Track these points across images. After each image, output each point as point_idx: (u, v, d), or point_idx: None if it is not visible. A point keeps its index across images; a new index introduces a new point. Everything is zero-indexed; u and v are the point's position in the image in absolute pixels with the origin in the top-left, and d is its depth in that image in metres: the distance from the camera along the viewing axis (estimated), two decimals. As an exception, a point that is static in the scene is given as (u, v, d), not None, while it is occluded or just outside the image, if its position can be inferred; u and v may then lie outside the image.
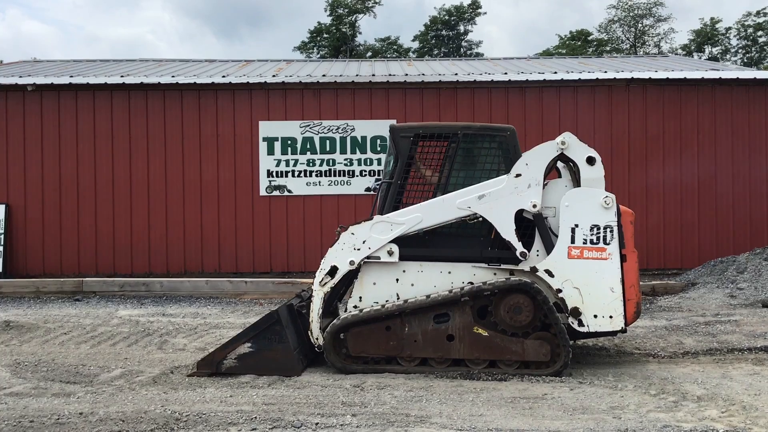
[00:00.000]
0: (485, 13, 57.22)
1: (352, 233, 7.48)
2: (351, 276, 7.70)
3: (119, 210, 15.13)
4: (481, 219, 7.47)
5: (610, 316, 7.15)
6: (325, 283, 7.48)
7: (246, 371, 7.20)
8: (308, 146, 15.26)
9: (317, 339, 7.45)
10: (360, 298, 7.49)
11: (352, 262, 7.43)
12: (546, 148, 7.41)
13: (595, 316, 7.15)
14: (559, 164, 7.75)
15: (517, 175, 7.31)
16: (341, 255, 7.46)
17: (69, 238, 15.08)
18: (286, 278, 14.13)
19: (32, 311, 11.66)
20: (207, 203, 15.20)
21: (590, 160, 7.35)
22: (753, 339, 8.77)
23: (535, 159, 7.37)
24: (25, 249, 15.04)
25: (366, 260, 7.45)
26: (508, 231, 7.26)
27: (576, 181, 7.51)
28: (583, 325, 7.15)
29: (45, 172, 15.09)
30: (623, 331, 7.27)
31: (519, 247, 7.23)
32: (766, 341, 8.58)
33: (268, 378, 7.07)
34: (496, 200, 7.29)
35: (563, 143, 7.33)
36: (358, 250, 7.44)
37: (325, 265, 7.50)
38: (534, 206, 7.23)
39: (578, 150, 7.37)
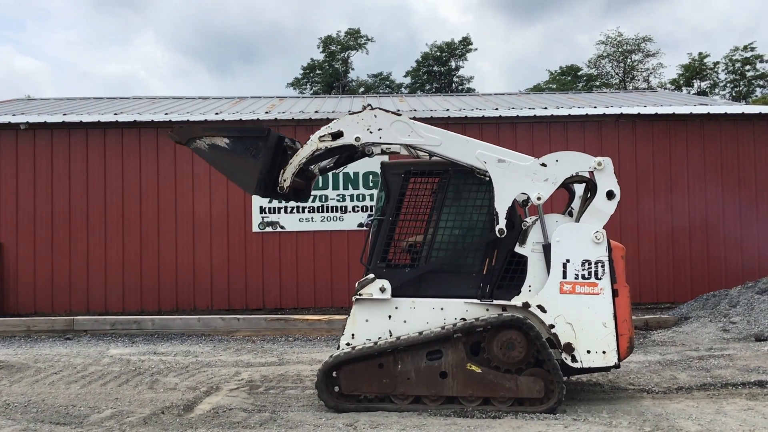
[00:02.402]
0: (476, 49, 58.06)
1: (375, 116, 7.42)
2: (347, 156, 7.89)
3: (111, 247, 15.10)
4: (473, 252, 7.49)
5: (603, 352, 7.13)
6: (324, 140, 7.42)
7: (210, 160, 7.35)
8: (301, 182, 15.26)
9: (284, 181, 7.40)
10: (352, 335, 7.45)
11: (357, 138, 7.37)
12: (581, 158, 7.38)
13: (588, 352, 7.12)
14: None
15: (543, 164, 7.29)
16: (353, 126, 7.40)
17: (60, 276, 15.02)
18: (279, 315, 14.07)
19: (22, 350, 11.56)
20: (199, 240, 15.19)
21: (610, 194, 7.30)
22: (747, 374, 8.75)
23: (565, 161, 7.34)
24: (17, 287, 14.97)
25: (358, 297, 7.44)
26: (502, 204, 7.22)
27: (580, 211, 7.51)
28: (577, 361, 7.11)
29: (37, 210, 15.08)
30: (617, 366, 7.23)
31: (501, 224, 7.19)
32: (760, 376, 8.57)
33: (260, 417, 7.01)
34: (511, 171, 7.25)
35: (600, 164, 7.27)
36: (371, 132, 7.40)
37: (333, 126, 7.45)
38: (538, 198, 7.19)
39: (607, 179, 7.30)
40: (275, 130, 7.57)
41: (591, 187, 7.51)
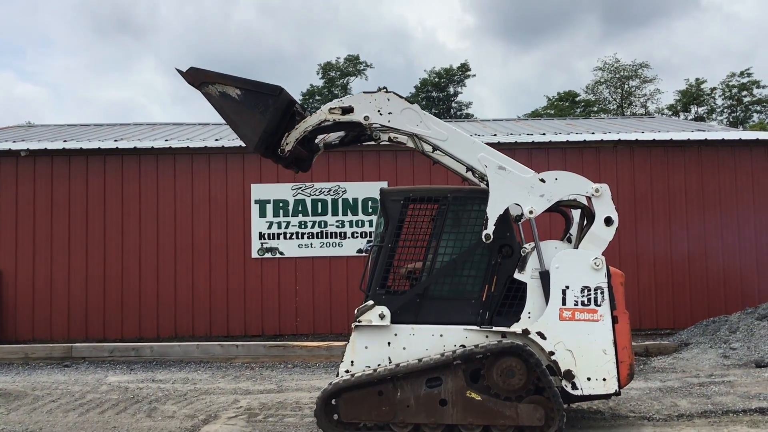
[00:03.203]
0: (474, 75, 58.30)
1: (388, 99, 7.44)
2: (353, 136, 7.94)
3: (110, 274, 15.08)
4: (473, 276, 7.47)
5: (604, 379, 7.10)
6: (333, 112, 7.43)
7: (218, 107, 7.36)
8: (300, 208, 15.35)
9: (286, 145, 7.46)
10: (352, 362, 7.41)
11: (366, 118, 7.39)
12: (580, 181, 7.38)
13: (589, 379, 7.09)
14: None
15: (542, 180, 7.31)
16: (365, 105, 7.42)
17: (59, 302, 14.98)
18: (278, 341, 14.02)
19: (20, 378, 11.51)
20: (199, 266, 15.18)
21: (608, 221, 7.31)
22: (748, 400, 8.71)
23: (565, 181, 7.36)
24: (15, 314, 14.92)
25: (357, 324, 7.41)
26: (494, 210, 7.23)
27: (578, 237, 7.52)
28: (577, 388, 7.08)
29: (36, 237, 15.08)
30: (617, 393, 7.20)
31: (489, 229, 7.19)
32: (761, 402, 8.53)
33: (259, 446, 6.97)
34: (510, 180, 7.26)
35: (597, 191, 7.28)
36: (380, 114, 7.41)
37: (345, 101, 7.45)
38: (530, 212, 7.22)
39: (605, 205, 7.31)
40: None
41: (587, 214, 7.53)
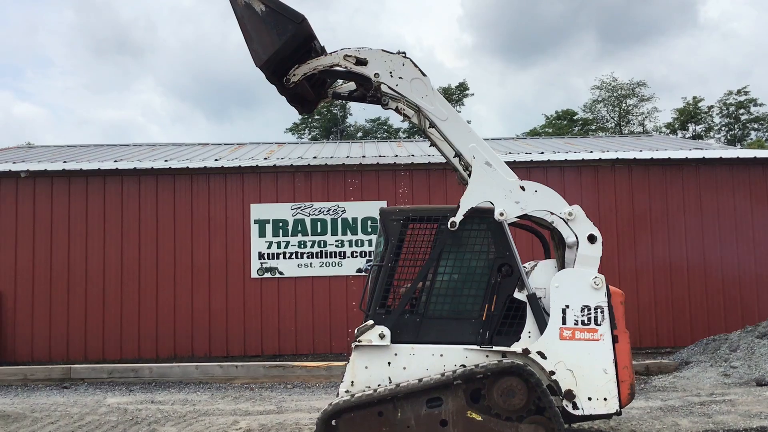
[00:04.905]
0: (472, 94, 58.43)
1: (403, 64, 7.48)
2: (361, 93, 7.95)
3: (109, 294, 15.06)
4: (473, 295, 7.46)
5: (605, 399, 7.07)
6: (347, 60, 7.47)
7: (239, 17, 7.37)
8: (299, 228, 15.36)
9: (293, 76, 7.54)
10: (352, 382, 7.37)
11: (376, 75, 7.43)
12: (556, 199, 7.40)
13: (589, 399, 7.06)
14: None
15: (522, 187, 7.36)
16: (379, 62, 7.47)
17: (58, 323, 14.94)
18: (278, 361, 13.99)
19: (19, 400, 11.47)
20: (198, 286, 15.17)
21: (591, 238, 7.32)
22: (749, 419, 8.68)
23: (543, 196, 7.39)
24: (14, 335, 14.89)
25: (357, 343, 7.39)
26: (468, 201, 7.31)
27: (561, 259, 7.53)
28: (578, 408, 7.05)
29: (36, 258, 15.08)
30: (618, 413, 7.15)
31: (457, 218, 7.29)
32: (762, 421, 8.51)
33: (259, 467, 6.94)
34: (492, 177, 7.33)
35: (570, 214, 7.30)
36: (390, 76, 7.46)
37: (362, 53, 7.49)
38: (501, 214, 7.26)
39: (583, 225, 7.32)
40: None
41: (556, 236, 7.55)
